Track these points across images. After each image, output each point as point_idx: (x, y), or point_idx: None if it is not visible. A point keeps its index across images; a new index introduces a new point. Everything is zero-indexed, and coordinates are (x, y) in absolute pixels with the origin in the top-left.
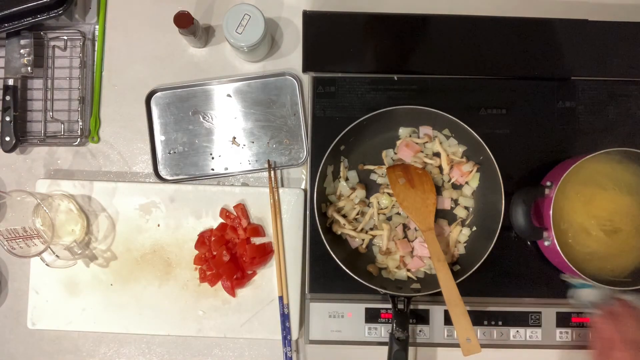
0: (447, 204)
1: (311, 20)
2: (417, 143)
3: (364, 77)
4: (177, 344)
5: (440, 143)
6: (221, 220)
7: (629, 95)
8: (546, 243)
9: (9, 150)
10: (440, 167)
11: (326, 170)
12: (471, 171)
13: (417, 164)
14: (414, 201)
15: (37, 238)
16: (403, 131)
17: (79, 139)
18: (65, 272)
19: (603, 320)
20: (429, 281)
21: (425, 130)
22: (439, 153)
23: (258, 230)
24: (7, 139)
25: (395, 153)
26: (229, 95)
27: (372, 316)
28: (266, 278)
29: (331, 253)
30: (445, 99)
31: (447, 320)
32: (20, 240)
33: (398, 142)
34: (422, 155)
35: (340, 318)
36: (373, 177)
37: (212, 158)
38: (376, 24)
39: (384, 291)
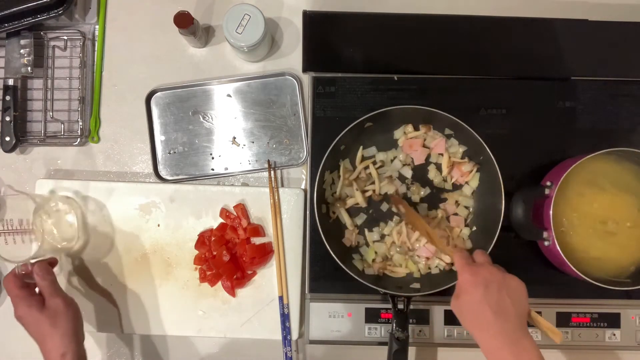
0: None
1: (311, 20)
2: (417, 137)
3: (364, 77)
4: (177, 344)
5: (447, 147)
6: (221, 220)
7: (629, 95)
8: (546, 243)
9: (9, 150)
10: (439, 167)
11: (326, 171)
12: (471, 171)
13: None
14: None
15: (31, 234)
16: (400, 131)
17: (79, 139)
18: (66, 272)
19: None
20: (429, 281)
21: (425, 130)
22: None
23: (258, 230)
24: (7, 139)
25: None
26: (229, 95)
27: (372, 316)
28: (266, 278)
29: (331, 253)
30: (445, 99)
31: (447, 320)
32: (17, 234)
33: (400, 142)
34: (426, 151)
35: (340, 318)
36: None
37: (212, 158)
38: (376, 24)
39: (383, 291)
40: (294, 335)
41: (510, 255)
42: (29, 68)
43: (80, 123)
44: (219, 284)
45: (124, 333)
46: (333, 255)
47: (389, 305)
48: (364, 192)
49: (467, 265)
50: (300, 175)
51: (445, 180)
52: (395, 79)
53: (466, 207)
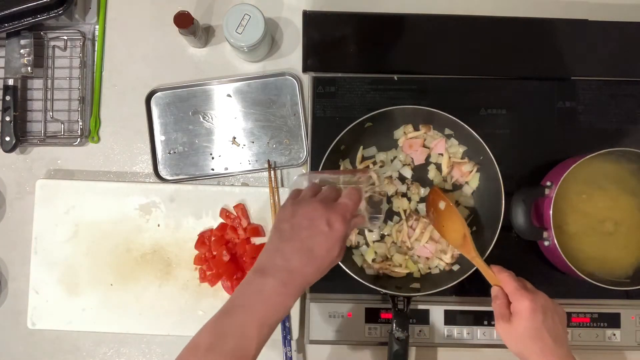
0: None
1: (311, 20)
2: (417, 137)
3: (364, 77)
4: (177, 344)
5: (447, 148)
6: (221, 220)
7: (629, 95)
8: (546, 243)
9: (9, 150)
10: (439, 167)
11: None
12: (471, 171)
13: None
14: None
15: None
16: (400, 131)
17: (79, 139)
18: (65, 272)
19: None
20: (429, 281)
21: (425, 130)
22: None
23: (258, 230)
24: (7, 139)
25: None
26: (229, 95)
27: (372, 316)
28: None
29: None
30: (445, 99)
31: (447, 320)
32: None
33: (400, 142)
34: (426, 151)
35: (340, 318)
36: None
37: (212, 158)
38: (376, 24)
39: (384, 291)
40: (294, 335)
41: (510, 255)
42: (29, 68)
43: (80, 123)
44: (219, 284)
45: (124, 333)
46: None
47: (389, 305)
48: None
49: (524, 290)
50: None
51: (445, 180)
52: (395, 79)
53: (466, 207)
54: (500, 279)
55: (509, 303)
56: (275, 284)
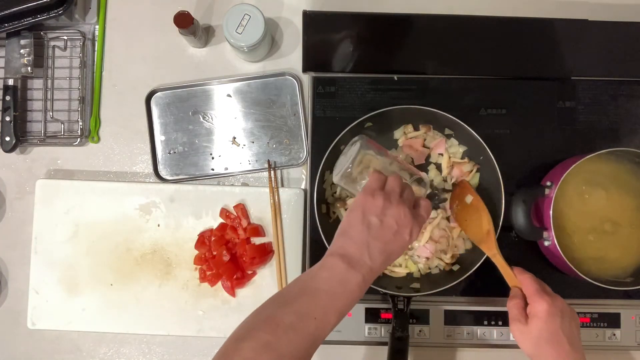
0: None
1: (311, 20)
2: (417, 137)
3: (364, 77)
4: (177, 344)
5: (447, 148)
6: (221, 220)
7: (629, 95)
8: (546, 243)
9: (9, 150)
10: (439, 167)
11: (326, 171)
12: (471, 171)
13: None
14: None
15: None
16: (400, 131)
17: (79, 139)
18: (66, 272)
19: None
20: (429, 281)
21: (425, 130)
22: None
23: (258, 230)
24: (7, 139)
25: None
26: (229, 95)
27: (372, 316)
28: (266, 278)
29: None
30: (445, 99)
31: (447, 320)
32: None
33: (400, 142)
34: (426, 151)
35: None
36: None
37: (212, 158)
38: (376, 24)
39: (383, 291)
40: None
41: (510, 255)
42: (29, 68)
43: (80, 123)
44: (219, 284)
45: (124, 333)
46: None
47: (389, 305)
48: None
49: (543, 292)
50: (300, 175)
51: (445, 180)
52: (395, 79)
53: None
54: (520, 279)
55: (525, 305)
56: (359, 280)
